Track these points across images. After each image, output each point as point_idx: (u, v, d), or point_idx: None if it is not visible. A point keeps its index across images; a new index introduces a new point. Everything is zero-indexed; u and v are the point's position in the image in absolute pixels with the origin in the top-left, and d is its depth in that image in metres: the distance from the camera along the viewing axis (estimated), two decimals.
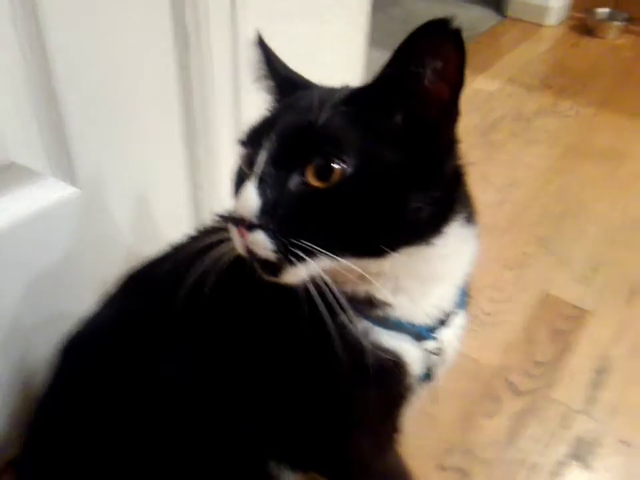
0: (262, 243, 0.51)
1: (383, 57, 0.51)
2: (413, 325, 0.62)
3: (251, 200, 0.51)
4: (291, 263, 0.51)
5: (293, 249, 0.51)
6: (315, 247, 0.51)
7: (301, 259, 0.51)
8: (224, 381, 0.64)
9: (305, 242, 0.51)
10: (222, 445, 0.67)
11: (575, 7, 2.84)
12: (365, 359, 0.59)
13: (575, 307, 1.33)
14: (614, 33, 2.75)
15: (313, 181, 0.51)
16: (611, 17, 2.73)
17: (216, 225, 0.72)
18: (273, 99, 0.65)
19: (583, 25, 2.79)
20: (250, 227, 0.51)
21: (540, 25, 2.80)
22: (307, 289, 0.54)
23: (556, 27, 2.83)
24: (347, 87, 0.60)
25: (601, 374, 1.17)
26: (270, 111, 0.62)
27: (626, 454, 1.03)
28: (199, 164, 1.01)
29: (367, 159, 0.51)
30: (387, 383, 0.63)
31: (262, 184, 0.51)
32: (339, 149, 0.51)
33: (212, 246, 0.58)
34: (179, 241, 0.76)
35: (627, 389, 1.14)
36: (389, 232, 0.54)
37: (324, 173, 0.51)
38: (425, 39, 0.49)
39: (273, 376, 0.63)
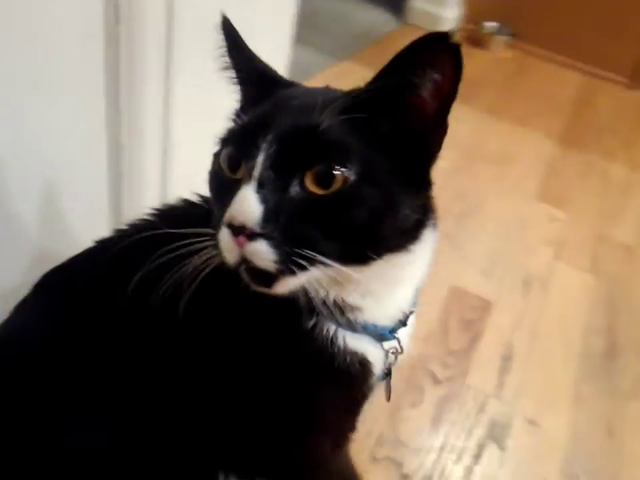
0: (263, 253, 0.48)
1: None
2: (377, 327, 0.63)
3: (252, 206, 0.47)
4: (291, 272, 0.49)
5: (294, 259, 0.49)
6: (316, 255, 0.49)
7: (301, 269, 0.49)
8: (176, 389, 0.60)
9: (306, 251, 0.49)
10: (171, 461, 0.62)
11: (466, 19, 3.02)
12: (334, 362, 0.59)
13: (479, 298, 1.43)
14: (500, 47, 2.96)
15: (313, 187, 0.49)
16: (499, 32, 2.93)
17: (149, 220, 0.68)
18: (243, 92, 0.62)
19: (473, 37, 2.98)
20: (250, 235, 0.48)
21: None
22: (276, 295, 0.53)
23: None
24: (334, 89, 0.59)
25: (506, 360, 1.27)
26: (255, 110, 0.56)
27: (533, 433, 1.13)
28: (122, 148, 0.93)
29: (367, 166, 0.50)
30: (353, 385, 0.63)
31: (261, 189, 0.48)
32: (343, 156, 0.50)
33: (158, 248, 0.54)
34: (106, 238, 0.70)
35: (528, 373, 1.25)
36: (381, 239, 0.54)
37: (326, 179, 0.49)
38: (426, 50, 0.49)
39: (235, 383, 0.60)
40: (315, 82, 2.12)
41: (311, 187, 0.49)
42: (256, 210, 0.47)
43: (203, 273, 0.52)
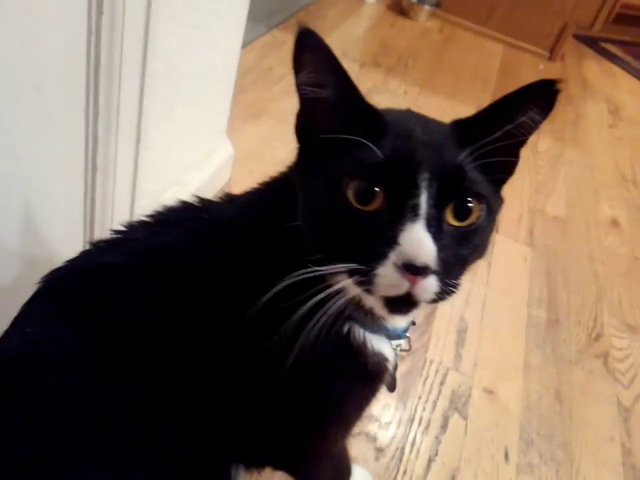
0: (432, 288, 0.51)
1: None
2: (395, 329, 0.66)
3: (430, 247, 0.50)
4: (437, 300, 0.52)
5: (449, 289, 0.52)
6: (460, 282, 0.54)
7: (448, 295, 0.53)
8: (215, 385, 0.61)
9: (457, 280, 0.53)
10: (188, 456, 0.63)
11: None
12: (367, 365, 0.63)
13: None
14: (424, 16, 3.01)
15: (452, 220, 0.53)
16: (421, 1, 2.97)
17: (149, 221, 0.67)
18: (316, 112, 0.57)
19: (397, 5, 3.00)
20: (426, 273, 0.50)
21: (362, 1, 2.95)
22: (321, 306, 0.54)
23: (375, 4, 3.01)
24: (428, 117, 0.61)
25: (461, 333, 1.34)
26: (383, 144, 0.54)
27: (490, 401, 1.21)
28: (98, 141, 0.88)
29: (489, 198, 0.55)
30: (376, 383, 0.67)
31: (429, 227, 0.51)
32: (479, 191, 0.54)
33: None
34: (103, 240, 0.67)
35: (482, 345, 1.33)
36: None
37: (464, 213, 0.53)
38: (539, 94, 0.54)
39: (272, 382, 0.61)
40: (248, 52, 2.07)
41: (451, 220, 0.53)
42: (434, 249, 0.50)
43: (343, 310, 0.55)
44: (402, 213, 0.51)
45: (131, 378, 0.59)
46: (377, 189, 0.52)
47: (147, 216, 0.68)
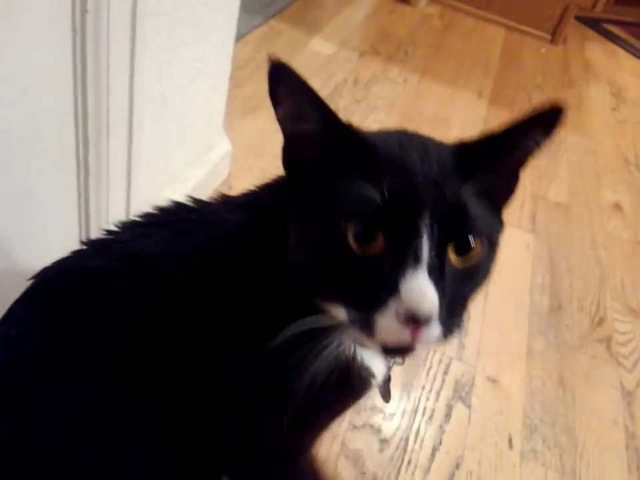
0: (434, 335, 0.49)
1: None
2: None
3: (433, 297, 0.47)
4: (441, 341, 0.51)
5: (451, 330, 0.51)
6: (463, 321, 0.52)
7: (452, 335, 0.51)
8: (204, 399, 0.61)
9: (460, 320, 0.52)
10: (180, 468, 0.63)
11: None
12: (352, 379, 0.61)
13: None
14: (424, 2, 2.98)
15: (454, 259, 0.50)
16: None
17: (140, 221, 0.66)
18: (298, 142, 0.55)
19: None
20: (427, 322, 0.48)
21: None
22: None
23: None
24: (426, 136, 0.59)
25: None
26: (380, 180, 0.50)
27: (494, 389, 1.21)
28: (88, 140, 0.88)
29: (491, 232, 0.54)
30: (359, 396, 0.66)
31: (431, 274, 0.48)
32: (482, 226, 0.52)
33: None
34: (97, 239, 0.66)
35: (484, 333, 1.33)
36: None
37: (465, 250, 0.51)
38: (547, 120, 0.52)
39: (258, 390, 0.61)
40: (245, 44, 2.06)
41: (453, 258, 0.51)
42: (436, 298, 0.47)
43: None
44: (403, 258, 0.48)
45: (114, 383, 0.58)
46: (376, 231, 0.50)
47: (139, 216, 0.67)
